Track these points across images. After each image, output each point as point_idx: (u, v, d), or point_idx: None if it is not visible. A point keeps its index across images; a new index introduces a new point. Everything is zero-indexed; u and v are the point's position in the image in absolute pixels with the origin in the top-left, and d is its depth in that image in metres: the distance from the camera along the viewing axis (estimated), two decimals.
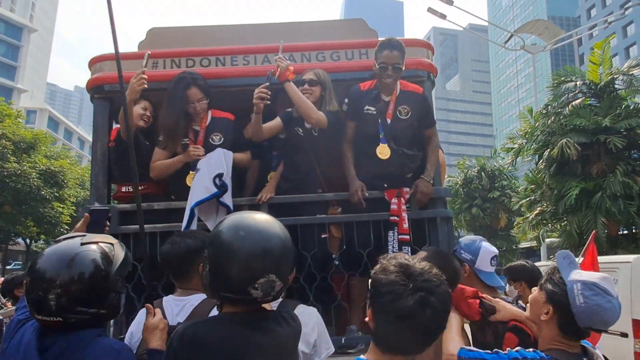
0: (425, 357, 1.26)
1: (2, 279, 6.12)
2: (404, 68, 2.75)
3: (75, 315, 1.32)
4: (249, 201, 2.82)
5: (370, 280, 1.24)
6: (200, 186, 2.62)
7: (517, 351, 1.51)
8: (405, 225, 2.69)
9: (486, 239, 2.32)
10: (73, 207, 23.16)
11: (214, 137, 2.82)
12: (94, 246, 1.41)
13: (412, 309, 1.09)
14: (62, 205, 22.90)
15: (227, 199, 2.63)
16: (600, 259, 4.27)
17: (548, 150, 13.90)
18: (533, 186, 16.24)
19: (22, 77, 61.47)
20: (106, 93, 2.94)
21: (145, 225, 2.69)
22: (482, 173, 25.60)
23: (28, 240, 26.88)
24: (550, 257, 13.53)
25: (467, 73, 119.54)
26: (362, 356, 1.22)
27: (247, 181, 3.17)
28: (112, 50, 2.15)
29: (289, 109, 2.97)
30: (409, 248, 2.64)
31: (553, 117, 14.35)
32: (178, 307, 1.80)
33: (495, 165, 26.21)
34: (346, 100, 2.93)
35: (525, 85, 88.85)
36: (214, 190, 2.61)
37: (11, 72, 59.62)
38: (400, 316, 1.11)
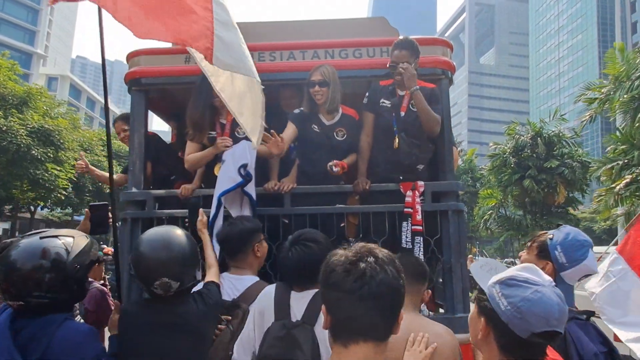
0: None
1: None
2: (415, 66, 2.96)
3: (35, 300, 1.59)
4: (274, 191, 3.11)
5: None
6: (226, 177, 2.85)
7: None
8: (419, 217, 2.96)
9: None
10: (72, 171, 21.20)
11: (239, 130, 3.10)
12: (53, 239, 1.70)
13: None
14: (58, 168, 20.97)
15: (251, 188, 2.89)
16: None
17: None
18: (624, 146, 13.56)
19: (42, 43, 61.99)
20: (143, 86, 3.27)
21: (175, 211, 3.10)
22: (538, 139, 22.32)
23: (32, 208, 25.84)
24: None
25: (503, 46, 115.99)
26: None
27: (271, 170, 3.47)
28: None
29: (297, 110, 3.23)
30: (422, 238, 2.93)
31: None
32: (234, 285, 2.19)
33: (553, 131, 22.94)
34: (367, 94, 3.18)
35: (568, 58, 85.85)
36: (239, 179, 2.85)
37: (30, 37, 60.03)
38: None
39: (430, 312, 3.19)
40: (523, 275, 1.27)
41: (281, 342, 1.81)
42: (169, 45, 3.41)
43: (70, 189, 24.14)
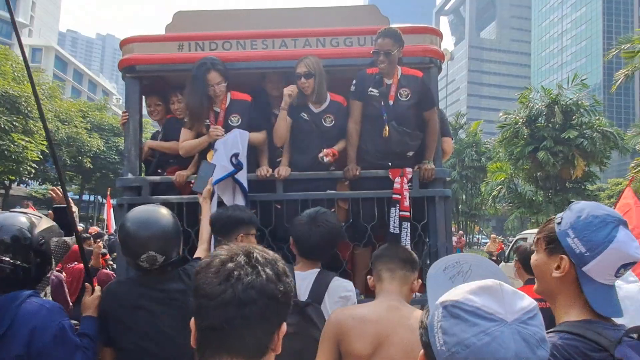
0: None
1: None
2: (397, 54, 3.06)
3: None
4: (266, 177, 3.24)
5: None
6: (218, 165, 2.96)
7: None
8: (407, 203, 3.11)
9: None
10: (44, 143, 19.46)
11: (232, 119, 3.22)
12: (21, 215, 1.85)
13: None
14: (26, 138, 19.26)
15: (242, 177, 3.02)
16: None
17: None
18: None
19: (26, 12, 59.96)
20: (137, 73, 3.35)
21: (173, 197, 3.23)
22: (555, 107, 20.59)
23: (7, 183, 23.90)
24: None
25: (505, 20, 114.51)
26: None
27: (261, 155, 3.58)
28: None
29: None
30: (409, 224, 3.08)
31: None
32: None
33: (571, 98, 21.07)
34: (354, 82, 3.25)
35: (571, 32, 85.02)
36: (231, 168, 2.98)
37: (11, 4, 58.81)
38: None
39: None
40: (474, 302, 0.82)
41: (296, 319, 1.97)
42: (162, 32, 3.50)
43: (49, 163, 22.67)
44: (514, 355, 0.77)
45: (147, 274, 2.01)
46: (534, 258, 1.41)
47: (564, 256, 1.29)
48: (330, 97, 3.30)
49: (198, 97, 3.13)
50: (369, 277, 2.08)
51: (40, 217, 1.91)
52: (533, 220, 21.15)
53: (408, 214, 3.10)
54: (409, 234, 3.06)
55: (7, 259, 1.68)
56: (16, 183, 25.61)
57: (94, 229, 9.65)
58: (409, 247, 2.91)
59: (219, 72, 3.10)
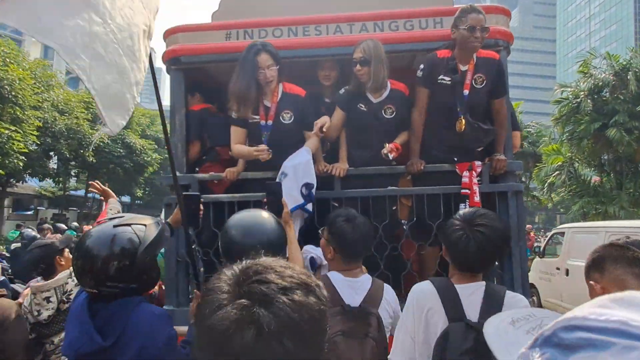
0: None
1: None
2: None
3: (107, 289, 1.63)
4: (324, 173, 3.05)
5: None
6: (287, 194, 2.60)
7: None
8: (477, 199, 2.90)
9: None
10: (35, 133, 17.69)
11: (284, 115, 3.01)
12: (126, 228, 1.70)
13: None
14: (11, 128, 16.71)
15: (310, 205, 2.79)
16: None
17: None
18: None
19: None
20: (182, 64, 3.21)
21: (224, 195, 3.08)
22: (629, 74, 17.01)
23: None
24: None
25: (528, 5, 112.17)
26: None
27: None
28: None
29: (342, 90, 3.13)
30: None
31: None
32: (352, 288, 1.99)
33: None
34: (422, 67, 2.98)
35: (600, 16, 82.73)
36: (301, 201, 2.74)
37: None
38: None
39: None
40: (604, 314, 0.46)
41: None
42: (207, 20, 3.34)
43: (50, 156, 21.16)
44: None
45: None
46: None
47: None
48: (391, 85, 3.08)
49: (246, 80, 2.89)
50: (592, 283, 1.61)
51: (145, 226, 1.76)
52: (599, 210, 17.50)
53: None
54: None
55: (115, 283, 1.65)
56: (14, 180, 22.99)
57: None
58: None
59: (270, 55, 2.89)
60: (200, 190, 3.07)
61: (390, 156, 2.90)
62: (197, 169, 3.49)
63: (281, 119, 3.04)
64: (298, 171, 2.77)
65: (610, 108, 16.92)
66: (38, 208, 31.49)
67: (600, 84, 17.49)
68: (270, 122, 3.04)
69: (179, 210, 2.53)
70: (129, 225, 1.73)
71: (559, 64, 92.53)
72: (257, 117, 3.05)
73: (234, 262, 1.78)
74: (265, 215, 1.96)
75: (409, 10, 3.09)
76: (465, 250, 1.74)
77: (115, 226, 1.71)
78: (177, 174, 3.13)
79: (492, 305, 1.69)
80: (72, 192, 30.62)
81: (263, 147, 2.89)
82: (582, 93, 17.70)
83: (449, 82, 2.92)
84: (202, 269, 2.94)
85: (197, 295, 2.03)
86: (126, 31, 1.65)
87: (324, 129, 2.92)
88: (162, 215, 3.25)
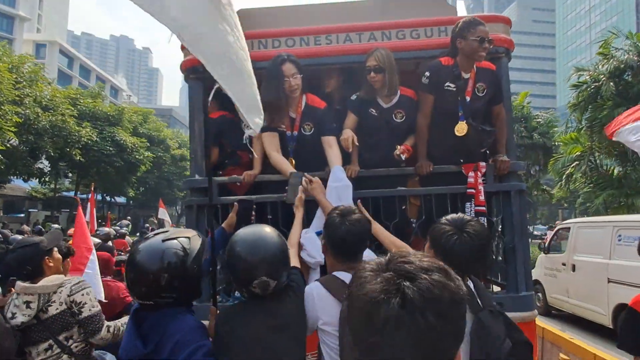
0: None
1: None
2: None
3: (160, 300, 1.79)
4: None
5: None
6: (322, 216, 2.75)
7: None
8: (482, 198, 3.09)
9: None
10: (13, 129, 16.93)
11: (305, 127, 3.21)
12: (174, 242, 1.82)
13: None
14: None
15: None
16: None
17: None
18: None
19: (24, 5, 58.56)
20: (200, 73, 3.38)
21: (244, 197, 3.27)
22: None
23: None
24: None
25: None
26: None
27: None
28: None
29: (353, 96, 3.31)
30: (485, 218, 3.06)
31: None
32: None
33: None
34: (427, 74, 3.14)
35: (600, 7, 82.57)
36: None
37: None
38: None
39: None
40: None
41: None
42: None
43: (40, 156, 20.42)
44: None
45: (260, 301, 1.94)
46: None
47: None
48: (401, 91, 3.27)
49: (274, 89, 3.06)
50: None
51: (189, 239, 1.89)
52: (623, 203, 16.14)
53: (484, 208, 3.08)
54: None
55: (168, 294, 1.78)
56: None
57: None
58: None
59: (294, 64, 3.09)
60: (222, 192, 3.27)
61: (403, 157, 3.09)
62: (219, 172, 3.69)
63: (302, 130, 3.23)
64: (341, 195, 2.89)
65: (635, 91, 15.32)
66: (30, 210, 31.27)
67: (622, 66, 15.87)
68: (295, 132, 3.22)
69: (233, 215, 2.74)
70: (175, 238, 1.86)
71: (559, 58, 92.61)
72: (282, 126, 3.23)
73: (239, 277, 1.89)
74: (267, 230, 2.03)
75: (415, 20, 3.26)
76: (455, 252, 1.81)
77: (163, 241, 1.84)
78: (197, 177, 3.35)
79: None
80: (65, 193, 30.21)
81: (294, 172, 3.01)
82: (603, 76, 16.02)
83: (454, 89, 3.11)
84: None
85: (213, 311, 2.10)
86: (243, 36, 1.81)
87: (356, 142, 3.06)
88: (181, 217, 3.43)
